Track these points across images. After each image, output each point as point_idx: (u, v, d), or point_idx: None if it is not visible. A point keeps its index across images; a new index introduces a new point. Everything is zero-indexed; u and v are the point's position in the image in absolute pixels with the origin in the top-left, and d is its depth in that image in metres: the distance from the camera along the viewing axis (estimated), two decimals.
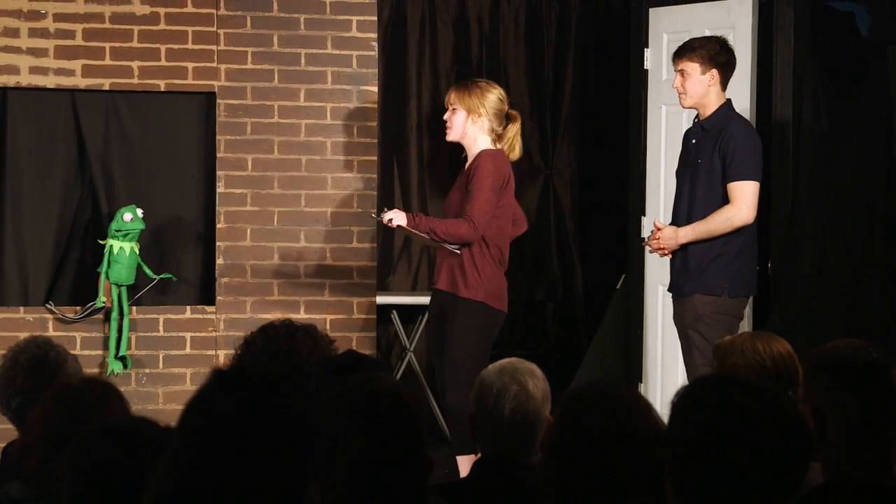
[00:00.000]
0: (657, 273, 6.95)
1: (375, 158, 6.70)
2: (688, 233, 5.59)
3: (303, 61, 6.55)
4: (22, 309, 6.35)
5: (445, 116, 5.81)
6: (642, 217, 7.03)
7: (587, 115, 7.86)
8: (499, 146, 5.76)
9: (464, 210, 5.60)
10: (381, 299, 6.96)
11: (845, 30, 7.49)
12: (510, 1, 7.79)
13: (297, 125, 6.55)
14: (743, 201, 5.52)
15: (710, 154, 5.58)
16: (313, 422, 2.12)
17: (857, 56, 7.49)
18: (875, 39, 7.52)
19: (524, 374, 3.32)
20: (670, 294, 5.82)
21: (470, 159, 5.77)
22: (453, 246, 5.63)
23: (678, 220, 5.69)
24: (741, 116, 5.80)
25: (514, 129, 5.79)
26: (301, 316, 6.37)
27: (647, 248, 5.90)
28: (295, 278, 6.54)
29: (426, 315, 7.42)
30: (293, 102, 6.54)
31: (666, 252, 5.67)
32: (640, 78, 7.03)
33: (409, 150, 7.67)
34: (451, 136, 5.80)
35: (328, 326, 6.45)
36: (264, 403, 2.08)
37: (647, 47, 6.99)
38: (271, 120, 6.52)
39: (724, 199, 5.56)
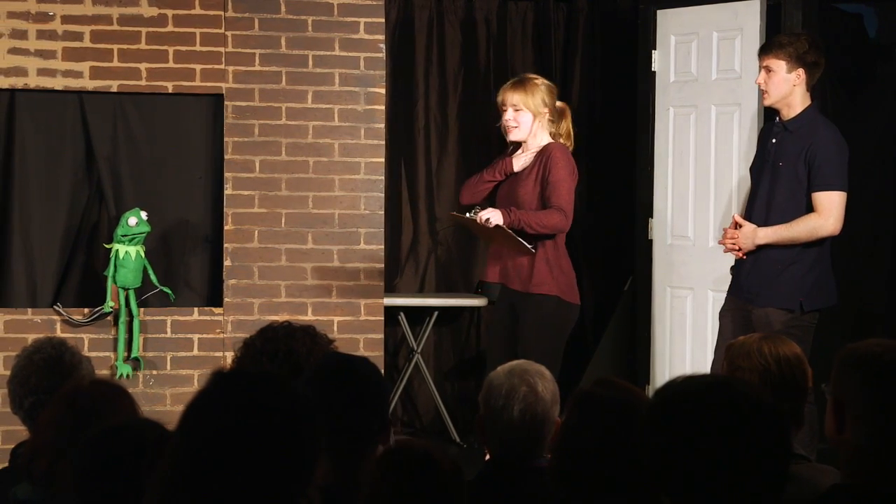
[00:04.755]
0: (664, 274, 6.95)
1: (383, 160, 6.70)
2: (768, 234, 5.44)
3: (310, 63, 6.55)
4: (30, 311, 6.35)
5: (508, 116, 5.77)
6: (650, 219, 7.03)
7: (595, 117, 7.86)
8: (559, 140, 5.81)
9: (548, 202, 5.62)
10: (389, 301, 6.96)
11: (853, 31, 7.50)
12: (518, 2, 7.79)
13: (304, 127, 6.55)
14: (831, 212, 5.37)
15: (794, 158, 5.43)
16: (312, 423, 2.12)
17: (865, 57, 7.50)
18: (883, 41, 7.52)
19: (533, 376, 3.33)
20: (726, 293, 5.68)
21: (528, 150, 5.77)
22: (530, 245, 5.64)
23: (753, 221, 5.54)
24: (828, 121, 5.65)
25: (568, 122, 5.82)
26: (308, 318, 6.37)
27: (723, 248, 5.67)
28: (302, 280, 6.54)
29: (433, 316, 7.45)
30: (301, 104, 6.54)
31: (740, 253, 5.53)
32: (648, 80, 7.03)
33: (416, 152, 7.67)
34: (518, 136, 5.77)
35: (335, 328, 6.46)
36: (263, 405, 2.09)
37: (655, 49, 6.99)
38: (279, 122, 6.53)
39: (807, 207, 5.43)
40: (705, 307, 6.64)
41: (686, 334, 6.81)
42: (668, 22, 6.94)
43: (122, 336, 6.28)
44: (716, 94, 6.69)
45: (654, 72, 6.99)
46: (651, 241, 7.03)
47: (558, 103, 5.83)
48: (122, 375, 6.24)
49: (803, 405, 3.40)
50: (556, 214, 5.60)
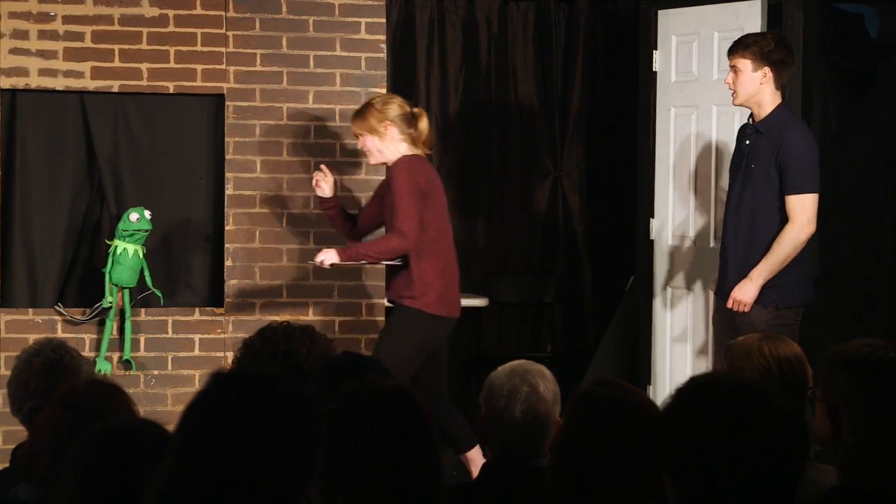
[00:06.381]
0: (666, 274, 6.95)
1: None
2: (759, 273, 5.41)
3: (311, 63, 6.55)
4: (31, 310, 6.35)
5: (359, 146, 5.89)
6: (651, 219, 7.03)
7: (596, 117, 7.86)
8: (417, 150, 5.80)
9: (384, 222, 5.73)
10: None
11: (854, 31, 7.50)
12: (519, 2, 7.79)
13: (305, 127, 6.55)
14: (803, 215, 5.38)
15: (765, 160, 5.44)
16: (313, 423, 2.12)
17: (866, 58, 7.50)
18: (884, 41, 7.52)
19: (534, 376, 3.32)
20: (715, 295, 5.69)
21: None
22: (393, 261, 5.68)
23: (730, 223, 5.58)
24: (798, 121, 5.66)
25: (425, 124, 5.84)
26: (310, 318, 6.37)
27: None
28: (303, 280, 6.54)
29: None
30: (302, 104, 6.54)
31: (747, 308, 5.40)
32: (649, 80, 7.02)
33: None
34: (376, 160, 5.84)
35: (336, 328, 6.46)
36: (263, 406, 2.09)
37: (656, 49, 6.98)
38: (280, 122, 6.53)
39: (780, 208, 5.44)
40: (706, 307, 6.63)
41: (687, 334, 6.81)
42: (669, 22, 6.94)
43: (108, 334, 6.24)
44: (717, 94, 6.68)
45: (655, 72, 6.99)
46: (652, 241, 7.03)
47: (415, 109, 5.85)
48: (99, 371, 6.19)
49: (804, 405, 3.40)
50: (393, 239, 5.64)
